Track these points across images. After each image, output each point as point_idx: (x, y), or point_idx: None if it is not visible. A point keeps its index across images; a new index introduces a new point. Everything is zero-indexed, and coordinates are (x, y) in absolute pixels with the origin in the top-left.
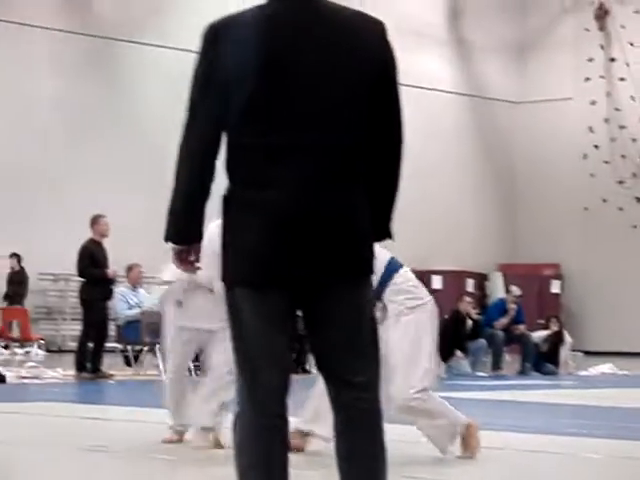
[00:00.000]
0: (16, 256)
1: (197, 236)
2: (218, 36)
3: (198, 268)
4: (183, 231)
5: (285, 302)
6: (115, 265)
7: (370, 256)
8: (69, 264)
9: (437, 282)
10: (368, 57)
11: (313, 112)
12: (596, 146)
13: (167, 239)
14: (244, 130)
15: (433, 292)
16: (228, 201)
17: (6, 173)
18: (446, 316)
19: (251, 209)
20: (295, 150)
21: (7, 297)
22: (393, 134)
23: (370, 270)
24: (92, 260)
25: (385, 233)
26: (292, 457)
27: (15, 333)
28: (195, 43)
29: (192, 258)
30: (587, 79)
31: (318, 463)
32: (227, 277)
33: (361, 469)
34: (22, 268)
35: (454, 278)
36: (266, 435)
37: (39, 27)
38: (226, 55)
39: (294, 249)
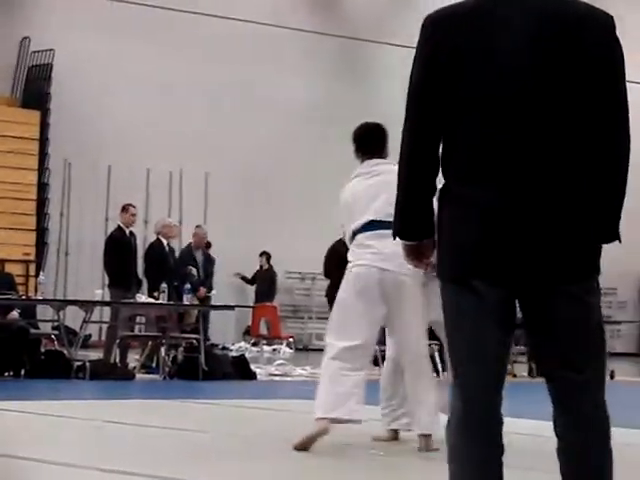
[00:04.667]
0: (265, 254)
1: (426, 232)
2: (435, 28)
3: (429, 265)
4: (410, 227)
5: (501, 299)
6: None
7: (595, 256)
8: (316, 263)
9: None
10: (593, 54)
11: (532, 109)
12: None
13: (395, 235)
14: (459, 125)
15: None
16: (443, 196)
17: (258, 173)
18: None
19: (465, 204)
20: (511, 147)
21: (257, 295)
22: (617, 134)
23: (596, 271)
24: (340, 262)
25: (612, 235)
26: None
27: (264, 330)
28: None
29: (424, 254)
30: None
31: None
32: (442, 272)
33: (584, 475)
34: (271, 266)
35: None
36: (477, 436)
37: (291, 28)
38: (444, 48)
39: (511, 245)
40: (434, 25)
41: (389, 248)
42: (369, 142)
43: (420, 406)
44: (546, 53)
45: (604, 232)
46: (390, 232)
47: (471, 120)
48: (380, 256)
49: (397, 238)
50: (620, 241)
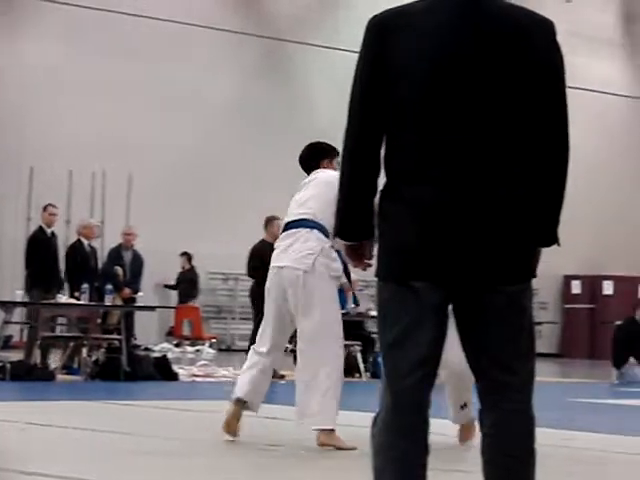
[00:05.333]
0: (186, 255)
1: (367, 232)
2: (382, 30)
3: (369, 265)
4: (351, 228)
5: (437, 300)
6: None
7: (531, 260)
8: (238, 263)
9: (608, 288)
10: (535, 58)
11: (475, 111)
12: None
13: (336, 235)
14: (403, 127)
15: (603, 298)
16: (384, 196)
17: (178, 173)
18: (618, 322)
19: (408, 204)
20: (454, 149)
21: (179, 296)
22: (558, 138)
23: (531, 274)
24: (262, 261)
25: (551, 238)
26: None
27: (186, 331)
28: None
29: (364, 254)
30: None
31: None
32: (381, 272)
33: (506, 473)
34: (192, 267)
35: (626, 284)
36: (403, 435)
37: (216, 29)
38: (388, 50)
39: (451, 247)
40: (379, 27)
41: (290, 244)
42: (304, 160)
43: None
44: (491, 57)
45: (544, 236)
46: (297, 229)
47: (415, 121)
48: (280, 254)
49: (337, 238)
50: (559, 245)
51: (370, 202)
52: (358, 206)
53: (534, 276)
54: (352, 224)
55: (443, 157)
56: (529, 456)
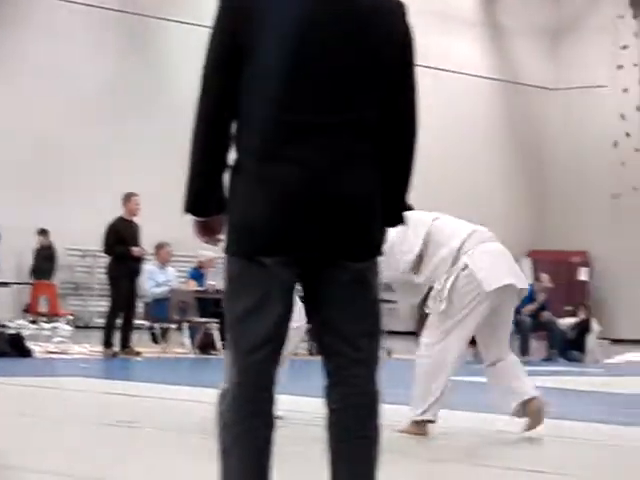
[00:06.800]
0: (44, 232)
1: (216, 208)
2: (236, 5)
3: (219, 240)
4: (200, 203)
5: (286, 276)
6: (147, 242)
7: (381, 239)
8: (97, 240)
9: None
10: (387, 39)
11: (330, 91)
12: (627, 134)
13: (186, 210)
14: (256, 104)
15: None
16: (235, 172)
17: (35, 148)
18: None
19: (260, 182)
20: (310, 128)
21: (35, 272)
22: (407, 118)
23: (379, 253)
24: (118, 238)
25: (398, 218)
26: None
27: (43, 308)
28: None
29: (214, 229)
30: (620, 67)
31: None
32: (231, 247)
33: (352, 449)
34: (50, 243)
35: None
36: (250, 410)
37: (80, 4)
38: (243, 25)
39: (302, 224)
40: (233, 2)
41: None
42: None
43: None
44: (344, 37)
45: (391, 216)
46: None
47: (268, 98)
48: None
49: (187, 213)
50: (405, 224)
51: (221, 177)
52: (209, 181)
53: (380, 254)
54: (203, 199)
55: (295, 137)
56: (374, 432)
